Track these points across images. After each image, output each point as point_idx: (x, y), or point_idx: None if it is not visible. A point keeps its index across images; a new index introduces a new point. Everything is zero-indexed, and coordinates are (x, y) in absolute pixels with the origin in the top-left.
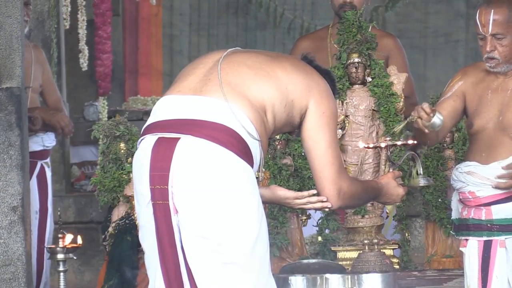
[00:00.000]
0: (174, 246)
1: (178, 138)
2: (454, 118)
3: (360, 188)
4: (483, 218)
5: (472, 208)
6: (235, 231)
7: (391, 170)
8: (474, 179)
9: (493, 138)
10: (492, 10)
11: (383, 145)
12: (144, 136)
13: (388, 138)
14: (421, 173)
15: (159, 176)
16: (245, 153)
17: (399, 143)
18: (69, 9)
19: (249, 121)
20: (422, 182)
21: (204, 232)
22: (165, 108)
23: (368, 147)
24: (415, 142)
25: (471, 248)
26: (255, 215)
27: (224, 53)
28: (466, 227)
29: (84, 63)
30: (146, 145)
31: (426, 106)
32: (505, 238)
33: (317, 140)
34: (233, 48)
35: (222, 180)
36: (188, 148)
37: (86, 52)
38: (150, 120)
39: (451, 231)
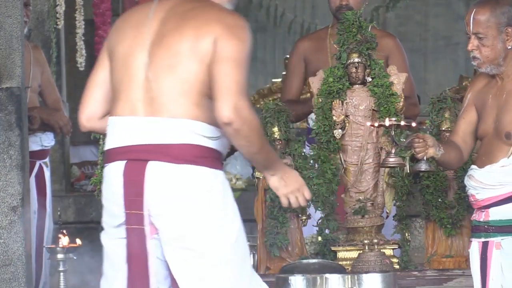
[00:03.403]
0: (146, 270)
1: (146, 163)
2: (473, 133)
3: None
4: (481, 219)
5: (477, 210)
6: (215, 239)
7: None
8: (472, 182)
9: (491, 142)
10: (475, 10)
11: (387, 123)
12: (110, 162)
13: (393, 119)
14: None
15: (135, 201)
16: (212, 158)
17: (402, 123)
18: (63, 8)
19: (206, 125)
20: (423, 167)
21: (187, 245)
22: (124, 131)
23: (373, 125)
24: (416, 124)
25: (473, 249)
26: (231, 218)
27: (145, 49)
28: (472, 229)
29: (82, 62)
30: (115, 170)
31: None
32: (501, 239)
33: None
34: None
35: (195, 197)
36: (158, 173)
37: (83, 52)
38: (113, 143)
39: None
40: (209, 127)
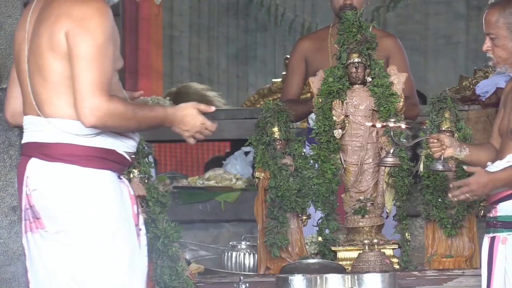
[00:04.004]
0: (26, 265)
1: (29, 159)
2: None
3: (124, 109)
4: (491, 215)
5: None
6: (85, 237)
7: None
8: None
9: (504, 140)
10: (486, 11)
11: (378, 125)
12: None
13: (393, 120)
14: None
15: (20, 196)
16: (90, 156)
17: (391, 124)
18: None
19: (79, 123)
20: (438, 167)
21: (64, 240)
22: (24, 129)
23: (373, 125)
24: (406, 126)
25: (484, 244)
26: (104, 218)
27: (24, 55)
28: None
29: None
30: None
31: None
32: (507, 235)
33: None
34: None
35: (62, 194)
36: (35, 169)
37: None
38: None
39: None
40: (81, 124)
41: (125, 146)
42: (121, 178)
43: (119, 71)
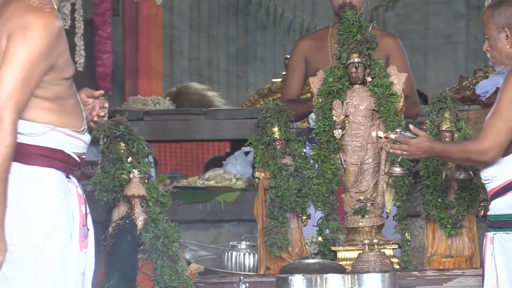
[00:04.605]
0: None
1: None
2: None
3: (9, 147)
4: (487, 213)
5: None
6: (20, 238)
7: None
8: None
9: None
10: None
11: (373, 134)
12: None
13: (398, 130)
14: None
15: None
16: (32, 154)
17: (382, 134)
18: (69, 8)
19: (21, 121)
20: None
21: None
22: None
23: (386, 136)
24: (396, 135)
25: (483, 243)
26: (37, 220)
27: None
28: None
29: (82, 63)
30: None
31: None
32: (493, 234)
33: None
34: None
35: (10, 192)
36: None
37: (83, 52)
38: None
39: None
40: (27, 123)
41: (73, 147)
42: (69, 178)
43: (118, 70)
